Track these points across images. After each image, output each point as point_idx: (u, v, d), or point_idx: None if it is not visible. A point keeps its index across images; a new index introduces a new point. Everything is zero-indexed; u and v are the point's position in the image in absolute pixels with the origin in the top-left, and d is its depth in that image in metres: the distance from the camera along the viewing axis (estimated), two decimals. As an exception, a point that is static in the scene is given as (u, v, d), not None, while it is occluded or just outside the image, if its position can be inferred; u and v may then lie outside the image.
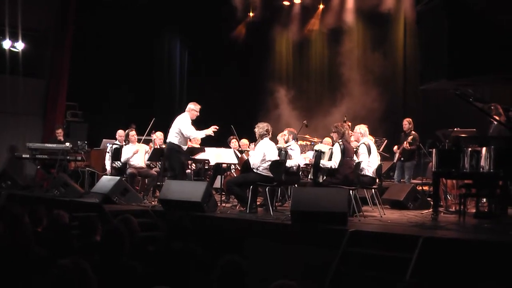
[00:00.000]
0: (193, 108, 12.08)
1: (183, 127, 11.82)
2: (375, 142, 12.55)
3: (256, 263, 7.16)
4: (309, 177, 11.62)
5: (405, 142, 13.57)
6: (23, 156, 15.55)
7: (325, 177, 10.55)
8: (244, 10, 19.75)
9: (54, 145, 15.11)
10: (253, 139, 12.18)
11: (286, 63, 19.64)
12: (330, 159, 10.63)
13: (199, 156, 12.63)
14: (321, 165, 10.64)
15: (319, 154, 10.89)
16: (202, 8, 19.24)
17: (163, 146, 13.64)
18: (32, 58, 17.80)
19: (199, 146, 13.07)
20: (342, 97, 16.60)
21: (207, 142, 13.37)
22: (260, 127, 11.24)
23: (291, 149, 11.76)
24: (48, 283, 3.96)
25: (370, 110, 15.55)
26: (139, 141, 14.29)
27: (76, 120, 18.84)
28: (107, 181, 12.28)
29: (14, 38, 17.13)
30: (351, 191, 10.04)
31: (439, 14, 9.18)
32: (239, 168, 12.81)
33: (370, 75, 16.23)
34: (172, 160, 11.88)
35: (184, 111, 12.21)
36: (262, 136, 11.16)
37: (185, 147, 11.94)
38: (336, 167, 10.40)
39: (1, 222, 6.18)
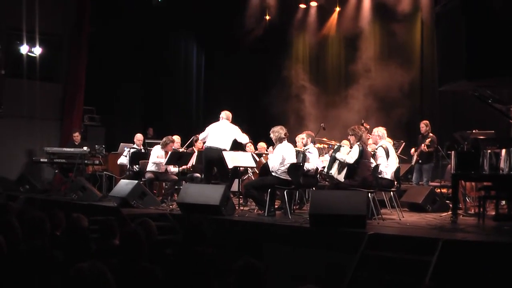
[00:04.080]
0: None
1: (241, 137, 12.41)
2: (393, 144, 12.48)
3: (274, 266, 7.14)
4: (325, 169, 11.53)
5: (422, 145, 13.48)
6: (41, 160, 15.58)
7: (344, 171, 10.49)
8: (261, 13, 19.78)
9: (72, 149, 15.16)
10: (270, 142, 12.18)
11: (303, 66, 19.57)
12: (347, 156, 10.62)
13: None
14: (337, 157, 10.61)
15: (338, 147, 10.95)
16: (218, 11, 19.27)
17: (180, 150, 13.65)
18: (49, 63, 17.87)
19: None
20: (359, 100, 16.54)
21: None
22: (276, 131, 11.19)
23: (309, 152, 11.75)
24: (66, 286, 3.96)
25: (387, 112, 15.50)
26: (150, 145, 14.43)
27: (94, 124, 18.90)
28: (125, 184, 12.29)
29: (31, 43, 17.19)
30: (369, 194, 9.99)
31: (458, 15, 9.11)
32: (257, 172, 12.79)
33: (387, 77, 16.13)
34: (224, 165, 11.96)
35: (224, 120, 12.45)
36: (281, 140, 11.12)
37: None
38: (351, 163, 10.36)
39: (21, 226, 6.20)
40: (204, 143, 12.55)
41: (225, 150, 11.97)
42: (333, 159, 10.79)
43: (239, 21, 19.63)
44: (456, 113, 15.59)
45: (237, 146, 12.98)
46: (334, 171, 10.68)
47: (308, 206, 10.66)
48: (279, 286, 4.88)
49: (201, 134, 12.67)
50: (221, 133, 12.16)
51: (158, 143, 13.76)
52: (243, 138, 12.46)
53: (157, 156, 13.31)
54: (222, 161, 11.85)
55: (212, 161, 12.15)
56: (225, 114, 12.49)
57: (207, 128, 12.42)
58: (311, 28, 19.38)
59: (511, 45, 8.74)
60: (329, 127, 14.79)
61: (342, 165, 10.59)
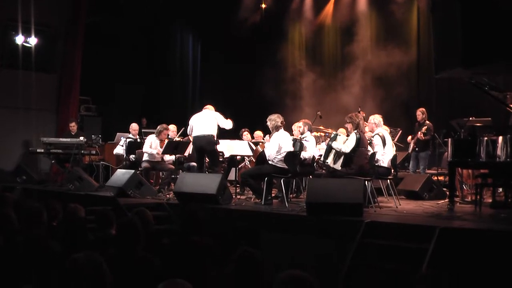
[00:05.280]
0: None
1: (223, 122, 12.31)
2: (390, 132, 12.47)
3: (271, 255, 7.14)
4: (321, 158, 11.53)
5: (419, 133, 13.48)
6: (38, 151, 15.53)
7: (341, 160, 10.47)
8: (257, 1, 19.74)
9: (68, 140, 15.09)
10: (267, 130, 12.16)
11: (299, 53, 19.53)
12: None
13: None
14: (333, 146, 10.60)
15: (334, 136, 10.91)
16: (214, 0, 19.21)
17: (177, 139, 13.62)
18: (45, 53, 17.77)
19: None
20: (355, 88, 16.53)
21: (221, 134, 13.37)
22: (272, 120, 11.19)
23: (306, 140, 11.73)
24: (62, 277, 3.95)
25: (384, 100, 15.48)
26: (145, 134, 14.38)
27: (90, 114, 18.88)
28: (121, 174, 12.28)
29: (27, 33, 17.09)
30: (366, 182, 9.98)
31: (454, 2, 9.07)
32: (254, 160, 12.79)
33: (383, 63, 16.08)
34: (214, 151, 12.08)
35: (205, 109, 12.53)
36: (277, 128, 11.12)
37: None
38: (347, 152, 10.35)
39: (18, 217, 6.19)
40: None
41: (212, 135, 12.04)
42: (329, 148, 10.77)
43: (235, 10, 19.56)
44: (452, 100, 15.56)
45: (233, 135, 12.95)
46: (330, 160, 10.67)
47: (305, 194, 10.67)
48: (276, 274, 4.86)
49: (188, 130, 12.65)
50: (204, 120, 12.20)
51: (153, 133, 13.72)
52: (227, 124, 12.38)
53: (150, 145, 13.27)
54: (211, 147, 11.96)
55: (202, 148, 12.18)
56: (208, 106, 12.64)
57: (190, 122, 12.45)
58: (307, 16, 19.30)
59: (506, 31, 8.70)
60: (325, 114, 14.76)
61: (338, 154, 10.57)
